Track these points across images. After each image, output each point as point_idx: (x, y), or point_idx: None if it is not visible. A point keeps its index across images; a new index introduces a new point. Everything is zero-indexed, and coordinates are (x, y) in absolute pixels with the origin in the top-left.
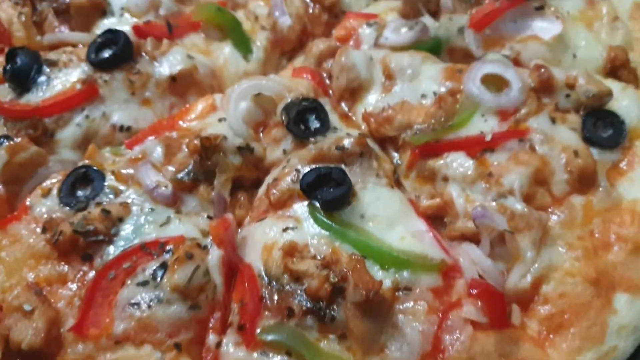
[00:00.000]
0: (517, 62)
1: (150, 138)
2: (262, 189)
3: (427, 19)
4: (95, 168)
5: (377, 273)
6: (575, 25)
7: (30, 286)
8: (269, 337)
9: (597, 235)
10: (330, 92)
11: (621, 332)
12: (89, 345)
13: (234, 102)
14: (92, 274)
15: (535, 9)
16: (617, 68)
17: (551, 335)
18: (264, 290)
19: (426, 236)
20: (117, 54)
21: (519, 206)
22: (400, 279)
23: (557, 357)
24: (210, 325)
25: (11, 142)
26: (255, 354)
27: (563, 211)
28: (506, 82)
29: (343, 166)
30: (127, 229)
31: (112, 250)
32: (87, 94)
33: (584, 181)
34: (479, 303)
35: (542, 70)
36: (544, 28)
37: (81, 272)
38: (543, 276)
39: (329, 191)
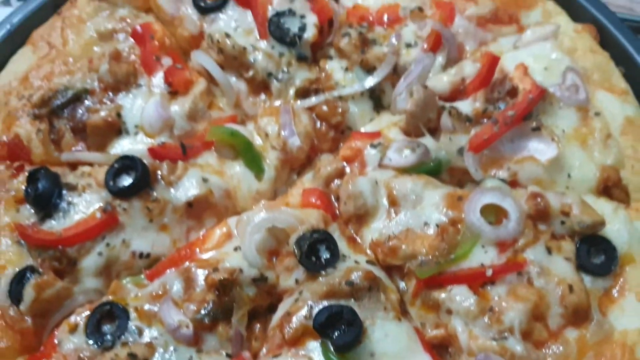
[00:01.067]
0: (514, 183)
1: (170, 270)
2: (276, 319)
3: (427, 139)
4: (120, 305)
5: None
6: (570, 144)
7: None
8: None
9: None
10: (337, 211)
11: None
12: None
13: (249, 235)
14: None
15: (532, 130)
16: (609, 187)
17: None
18: None
19: None
20: (135, 184)
21: (519, 348)
22: None
23: None
24: None
25: (37, 279)
26: None
27: (558, 347)
28: (504, 211)
29: (353, 301)
30: None
31: None
32: (107, 223)
33: (578, 316)
34: None
35: (539, 199)
36: (540, 149)
37: None
38: None
39: (341, 334)
